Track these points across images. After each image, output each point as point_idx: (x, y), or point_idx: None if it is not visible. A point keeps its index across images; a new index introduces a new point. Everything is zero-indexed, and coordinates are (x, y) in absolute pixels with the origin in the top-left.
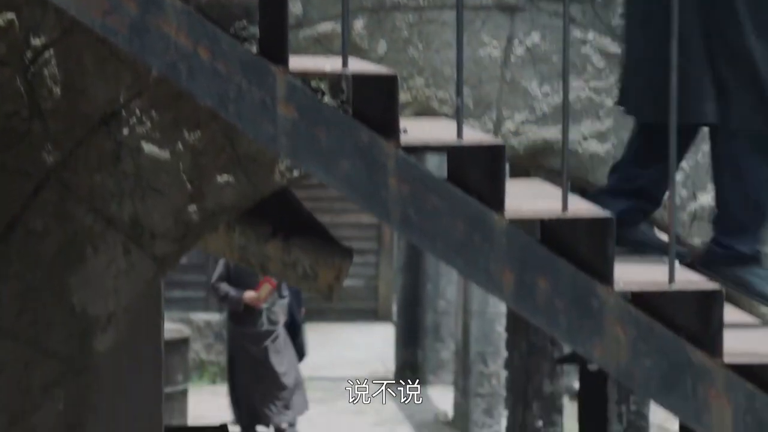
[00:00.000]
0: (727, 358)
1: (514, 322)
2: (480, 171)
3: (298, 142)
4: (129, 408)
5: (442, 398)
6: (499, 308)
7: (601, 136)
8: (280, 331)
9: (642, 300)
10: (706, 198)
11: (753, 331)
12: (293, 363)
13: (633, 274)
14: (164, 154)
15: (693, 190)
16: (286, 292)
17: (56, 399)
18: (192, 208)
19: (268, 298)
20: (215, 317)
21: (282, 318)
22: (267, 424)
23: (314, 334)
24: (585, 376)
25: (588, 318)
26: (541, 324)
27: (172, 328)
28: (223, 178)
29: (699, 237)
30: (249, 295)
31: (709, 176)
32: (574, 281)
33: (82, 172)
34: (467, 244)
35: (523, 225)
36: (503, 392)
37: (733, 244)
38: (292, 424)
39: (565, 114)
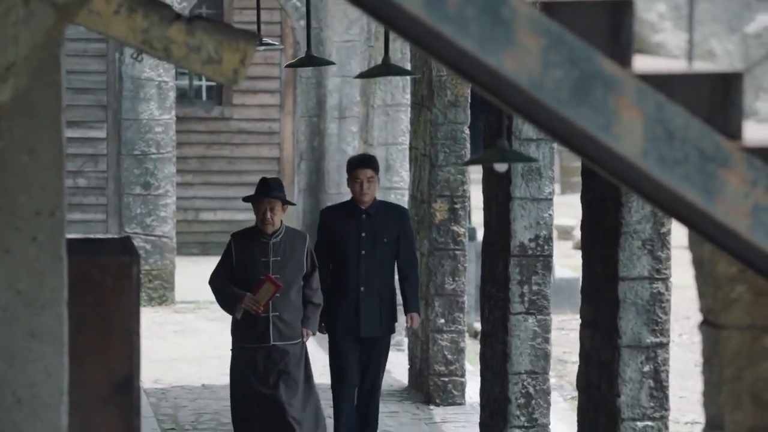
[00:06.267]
0: (638, 69)
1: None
2: None
3: None
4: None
5: None
6: None
7: None
8: (296, 350)
9: (553, 9)
10: None
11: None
12: (306, 395)
13: None
14: None
15: None
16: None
17: None
18: None
19: (269, 302)
20: None
21: (299, 329)
22: None
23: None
24: (490, 177)
25: (499, 27)
26: (451, 33)
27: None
28: None
29: None
30: (246, 299)
31: None
32: None
33: None
34: None
35: None
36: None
37: None
38: None
39: None
